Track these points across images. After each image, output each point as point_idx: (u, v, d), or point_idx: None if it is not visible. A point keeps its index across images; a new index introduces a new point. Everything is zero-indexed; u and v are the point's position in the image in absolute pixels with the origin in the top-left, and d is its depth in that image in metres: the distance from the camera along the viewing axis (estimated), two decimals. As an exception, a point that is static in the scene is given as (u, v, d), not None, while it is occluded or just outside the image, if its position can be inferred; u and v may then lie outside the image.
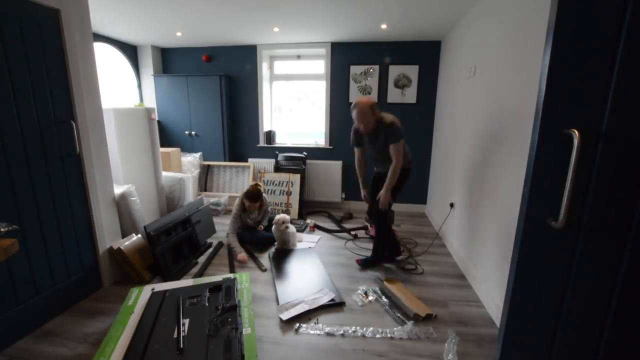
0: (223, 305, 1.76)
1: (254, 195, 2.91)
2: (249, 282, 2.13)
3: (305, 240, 3.07)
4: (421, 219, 3.81)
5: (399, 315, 1.92)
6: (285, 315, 1.88)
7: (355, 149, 2.58)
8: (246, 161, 4.31)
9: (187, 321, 1.69)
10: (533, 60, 1.65)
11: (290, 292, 2.17)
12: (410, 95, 3.82)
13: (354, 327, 1.80)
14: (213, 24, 3.22)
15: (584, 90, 0.85)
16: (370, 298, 2.10)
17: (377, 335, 1.76)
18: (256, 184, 2.99)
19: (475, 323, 1.88)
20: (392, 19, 2.99)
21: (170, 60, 4.28)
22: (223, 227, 3.41)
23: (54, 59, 1.84)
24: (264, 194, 3.05)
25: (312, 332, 1.77)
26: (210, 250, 2.84)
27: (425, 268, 2.56)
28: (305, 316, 1.92)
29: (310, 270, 2.48)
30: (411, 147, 3.88)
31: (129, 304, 1.89)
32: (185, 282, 2.15)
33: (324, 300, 2.03)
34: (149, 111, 2.74)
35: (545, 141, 0.90)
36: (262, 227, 3.08)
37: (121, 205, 2.40)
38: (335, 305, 2.01)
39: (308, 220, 3.56)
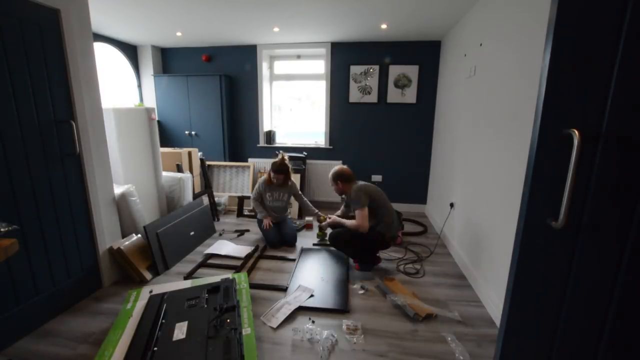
0: (221, 306, 1.76)
1: (280, 167, 2.87)
2: (247, 282, 2.13)
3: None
4: (421, 219, 3.81)
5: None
6: (275, 323, 1.83)
7: None
8: (246, 161, 4.31)
9: (185, 323, 1.69)
10: (533, 60, 1.65)
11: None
12: (410, 95, 3.82)
13: (353, 327, 1.80)
14: (213, 24, 3.22)
15: (584, 90, 0.84)
16: (370, 297, 2.09)
17: (377, 336, 1.76)
18: (282, 156, 2.95)
19: (475, 323, 1.88)
20: (392, 19, 2.98)
21: (170, 60, 4.28)
22: (223, 226, 3.42)
23: (54, 59, 1.84)
24: (292, 179, 3.05)
25: (311, 332, 1.77)
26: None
27: (426, 268, 2.56)
28: (295, 316, 1.92)
29: (335, 270, 2.47)
30: (411, 147, 3.94)
31: (127, 307, 1.89)
32: (184, 283, 2.15)
33: (305, 297, 2.07)
34: (149, 111, 2.74)
35: (545, 141, 0.90)
36: (322, 218, 2.98)
37: (121, 205, 2.40)
38: (336, 307, 2.02)
39: (307, 219, 3.54)
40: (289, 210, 3.23)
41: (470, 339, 1.74)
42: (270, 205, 3.08)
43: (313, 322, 1.86)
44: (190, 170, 3.54)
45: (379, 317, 1.92)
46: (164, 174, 3.02)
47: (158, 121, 4.08)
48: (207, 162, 4.15)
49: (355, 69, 3.86)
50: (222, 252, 2.75)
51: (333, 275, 2.39)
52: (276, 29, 3.37)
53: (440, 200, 3.44)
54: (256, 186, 3.08)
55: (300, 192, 3.18)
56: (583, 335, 0.91)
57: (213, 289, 1.97)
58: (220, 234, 3.22)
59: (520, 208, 0.98)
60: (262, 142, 4.28)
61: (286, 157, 2.98)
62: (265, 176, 3.05)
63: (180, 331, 1.63)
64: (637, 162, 0.79)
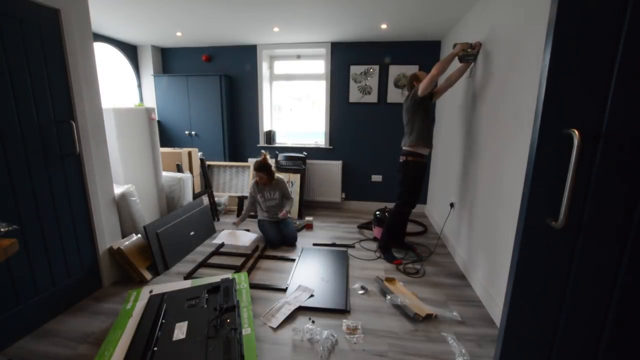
0: (221, 306, 1.76)
1: (260, 166, 2.95)
2: (247, 282, 2.13)
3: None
4: (421, 219, 3.81)
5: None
6: (275, 323, 1.83)
7: None
8: (246, 161, 4.31)
9: (185, 323, 1.69)
10: (533, 60, 1.65)
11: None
12: (410, 95, 3.81)
13: (353, 327, 1.80)
14: (213, 24, 3.22)
15: (584, 90, 0.85)
16: (370, 297, 2.09)
17: (377, 335, 1.76)
18: (264, 156, 3.01)
19: (475, 323, 1.88)
20: (392, 19, 2.98)
21: (170, 60, 4.28)
22: (223, 226, 3.41)
23: (54, 59, 1.84)
24: (277, 175, 3.15)
25: (311, 332, 1.77)
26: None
27: (426, 268, 2.56)
28: (295, 316, 1.91)
29: (336, 272, 2.46)
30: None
31: (127, 307, 1.89)
32: (183, 283, 2.15)
33: (305, 297, 2.07)
34: (149, 111, 2.74)
35: (545, 141, 0.90)
36: (286, 213, 3.06)
37: (121, 205, 2.40)
38: (336, 307, 2.01)
39: (307, 219, 3.55)
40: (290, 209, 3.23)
41: (470, 339, 1.75)
42: (266, 206, 3.11)
43: (313, 322, 1.86)
44: (190, 170, 3.54)
45: (379, 317, 1.92)
46: (164, 174, 3.02)
47: (158, 121, 4.08)
48: (207, 162, 4.15)
49: (355, 69, 3.86)
50: (237, 242, 2.96)
51: (333, 275, 2.39)
52: (276, 29, 3.37)
53: (440, 200, 3.44)
54: (249, 191, 3.18)
55: (289, 195, 3.22)
56: (583, 335, 0.91)
57: (213, 289, 1.97)
58: (220, 234, 3.22)
59: (520, 208, 0.98)
60: (262, 142, 4.28)
61: (267, 156, 3.07)
62: (252, 181, 3.14)
63: (180, 331, 1.63)
64: (637, 162, 0.79)
